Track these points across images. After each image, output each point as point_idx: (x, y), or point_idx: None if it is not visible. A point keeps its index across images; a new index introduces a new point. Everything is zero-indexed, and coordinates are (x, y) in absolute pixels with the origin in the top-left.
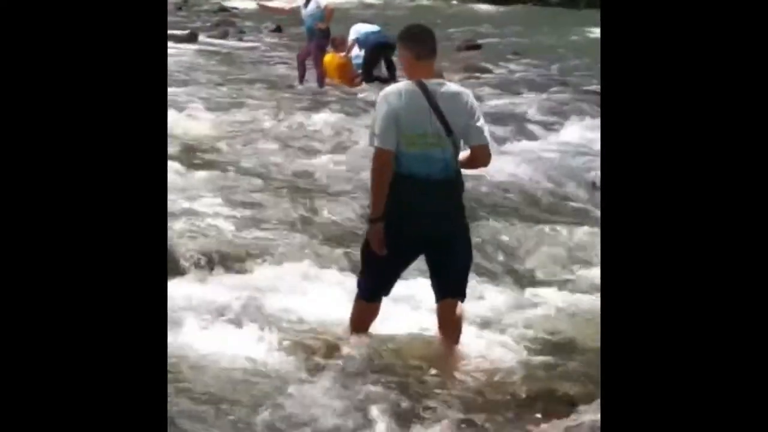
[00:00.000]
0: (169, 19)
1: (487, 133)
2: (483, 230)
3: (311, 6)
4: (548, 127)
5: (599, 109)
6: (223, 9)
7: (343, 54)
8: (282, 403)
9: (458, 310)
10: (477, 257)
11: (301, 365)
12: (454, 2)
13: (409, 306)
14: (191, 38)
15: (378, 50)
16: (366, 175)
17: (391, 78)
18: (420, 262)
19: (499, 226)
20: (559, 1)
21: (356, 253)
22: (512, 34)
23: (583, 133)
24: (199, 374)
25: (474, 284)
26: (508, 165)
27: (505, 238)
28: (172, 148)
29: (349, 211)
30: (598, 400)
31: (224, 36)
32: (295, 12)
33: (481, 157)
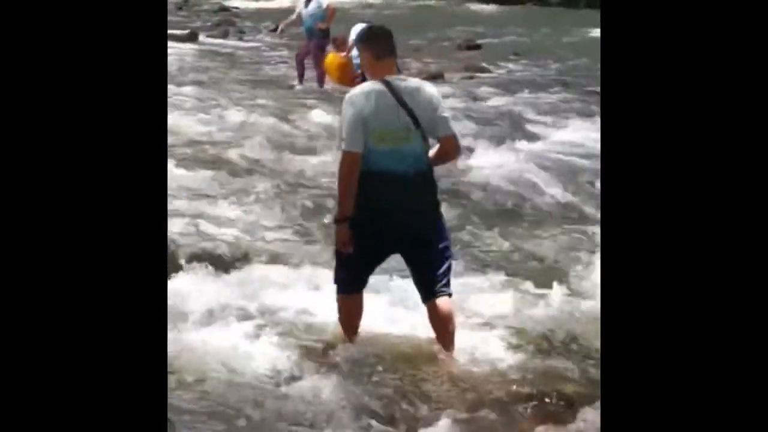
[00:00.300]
0: (170, 18)
1: (452, 124)
2: (481, 230)
3: (312, 5)
4: (548, 126)
5: (598, 110)
6: (224, 9)
7: (344, 54)
8: (278, 402)
9: (447, 307)
10: (476, 257)
11: (299, 365)
12: (454, 2)
13: (405, 306)
14: (191, 38)
15: None
16: None
17: None
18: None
19: (498, 225)
20: (559, 2)
21: None
22: (512, 34)
23: (583, 132)
24: (199, 373)
25: (472, 283)
26: (507, 164)
27: (504, 237)
28: (172, 147)
29: None
30: (598, 401)
31: (224, 36)
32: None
33: (450, 148)
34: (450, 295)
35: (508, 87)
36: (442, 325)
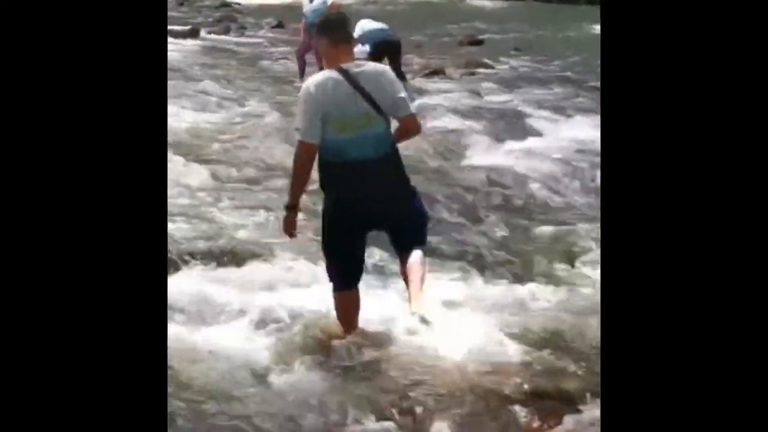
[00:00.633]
0: (171, 14)
1: (410, 103)
2: (483, 225)
3: (316, 2)
4: (548, 122)
5: (599, 106)
6: (225, 4)
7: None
8: (275, 396)
9: (418, 256)
10: (475, 252)
11: (297, 360)
12: None
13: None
14: (192, 34)
15: (383, 47)
16: None
17: (397, 76)
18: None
19: (499, 221)
20: None
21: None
22: (513, 30)
23: (583, 128)
24: (200, 367)
25: (472, 278)
26: (508, 160)
27: (504, 233)
28: (175, 145)
29: None
30: (597, 398)
31: (226, 32)
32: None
33: (410, 126)
34: (423, 246)
35: (509, 82)
36: (413, 272)
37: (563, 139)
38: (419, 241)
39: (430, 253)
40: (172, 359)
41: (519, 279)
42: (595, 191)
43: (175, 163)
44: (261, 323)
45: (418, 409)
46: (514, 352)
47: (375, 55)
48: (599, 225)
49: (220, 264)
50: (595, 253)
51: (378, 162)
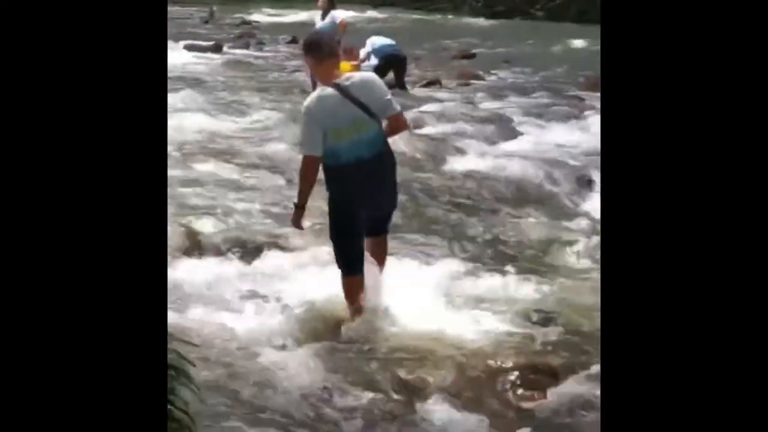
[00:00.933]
0: (196, 31)
1: (396, 103)
2: (477, 221)
3: (327, 20)
4: (534, 126)
5: (579, 112)
6: (245, 22)
7: (354, 63)
8: (283, 375)
9: (384, 240)
10: (472, 244)
11: (308, 340)
12: (450, 16)
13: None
14: (216, 49)
15: (390, 61)
16: None
17: (400, 87)
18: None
19: (491, 216)
20: (544, 16)
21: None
22: (502, 45)
23: (564, 133)
24: (220, 345)
25: (470, 269)
26: (498, 161)
27: (496, 227)
28: (201, 149)
29: None
30: (580, 372)
31: (246, 46)
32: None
33: (399, 123)
34: (387, 232)
35: (498, 92)
36: (380, 253)
37: (546, 142)
38: (388, 228)
39: (431, 246)
40: (196, 339)
41: (509, 266)
42: (576, 188)
43: (197, 163)
44: (274, 305)
45: (414, 383)
46: (506, 332)
47: (382, 68)
48: (584, 219)
49: (239, 252)
50: (582, 244)
51: (372, 161)
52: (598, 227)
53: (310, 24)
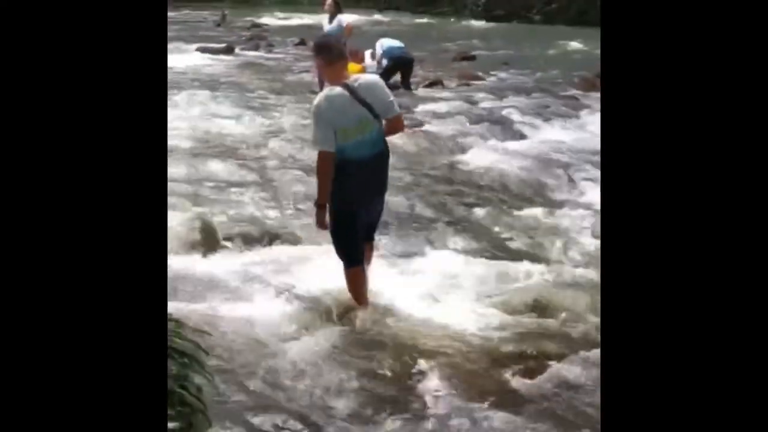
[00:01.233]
0: (209, 34)
1: (396, 105)
2: (476, 215)
3: (334, 23)
4: (531, 126)
5: (574, 111)
6: (256, 25)
7: (362, 65)
8: (291, 360)
9: (371, 246)
10: (473, 236)
11: (315, 327)
12: (452, 19)
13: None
14: (228, 51)
15: (398, 62)
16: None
17: (406, 87)
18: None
19: (490, 210)
20: (541, 19)
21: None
22: (501, 47)
23: (559, 132)
24: (236, 333)
25: (471, 260)
26: (498, 158)
27: (494, 221)
28: (214, 146)
29: None
30: (571, 356)
31: (256, 48)
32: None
33: (397, 124)
34: (373, 239)
35: (497, 92)
36: (369, 257)
37: (542, 140)
38: (373, 237)
39: (433, 237)
40: (211, 328)
41: (505, 257)
42: (571, 183)
43: (210, 162)
44: (287, 297)
45: (414, 368)
46: (503, 319)
47: (391, 70)
48: (581, 211)
49: (255, 246)
50: (575, 234)
51: (373, 160)
52: (596, 220)
53: (317, 27)
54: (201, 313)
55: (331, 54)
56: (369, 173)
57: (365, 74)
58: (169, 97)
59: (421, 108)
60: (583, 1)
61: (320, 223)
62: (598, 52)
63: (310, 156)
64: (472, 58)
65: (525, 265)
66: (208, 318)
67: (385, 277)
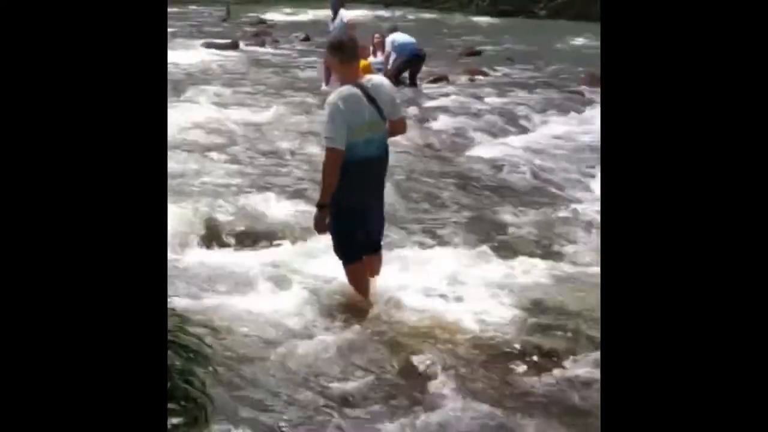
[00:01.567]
0: (214, 30)
1: (402, 108)
2: (481, 209)
3: (338, 20)
4: (536, 121)
5: (579, 107)
6: (261, 21)
7: (368, 61)
8: (298, 352)
9: (380, 259)
10: (477, 232)
11: (321, 321)
12: (457, 15)
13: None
14: (233, 46)
15: (410, 58)
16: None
17: (412, 83)
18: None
19: (495, 204)
20: (546, 15)
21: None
22: (507, 42)
23: (565, 126)
24: (239, 326)
25: (476, 256)
26: (504, 153)
27: (500, 215)
28: (219, 141)
29: None
30: (579, 355)
31: (262, 44)
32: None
33: (401, 126)
34: (381, 248)
35: (503, 87)
36: (376, 269)
37: (548, 135)
38: (380, 246)
39: (438, 233)
40: (217, 321)
41: (510, 252)
42: (575, 177)
43: (216, 162)
44: (289, 291)
45: (422, 364)
46: (510, 316)
47: (403, 65)
48: (585, 207)
49: (260, 241)
50: (582, 229)
51: (378, 159)
52: (598, 217)
53: (322, 23)
54: (205, 308)
55: (344, 54)
56: (374, 173)
57: (375, 75)
58: (176, 92)
59: (427, 103)
60: None
61: (320, 227)
62: None
63: (315, 152)
64: (478, 53)
65: (532, 261)
66: (212, 313)
67: (390, 273)
